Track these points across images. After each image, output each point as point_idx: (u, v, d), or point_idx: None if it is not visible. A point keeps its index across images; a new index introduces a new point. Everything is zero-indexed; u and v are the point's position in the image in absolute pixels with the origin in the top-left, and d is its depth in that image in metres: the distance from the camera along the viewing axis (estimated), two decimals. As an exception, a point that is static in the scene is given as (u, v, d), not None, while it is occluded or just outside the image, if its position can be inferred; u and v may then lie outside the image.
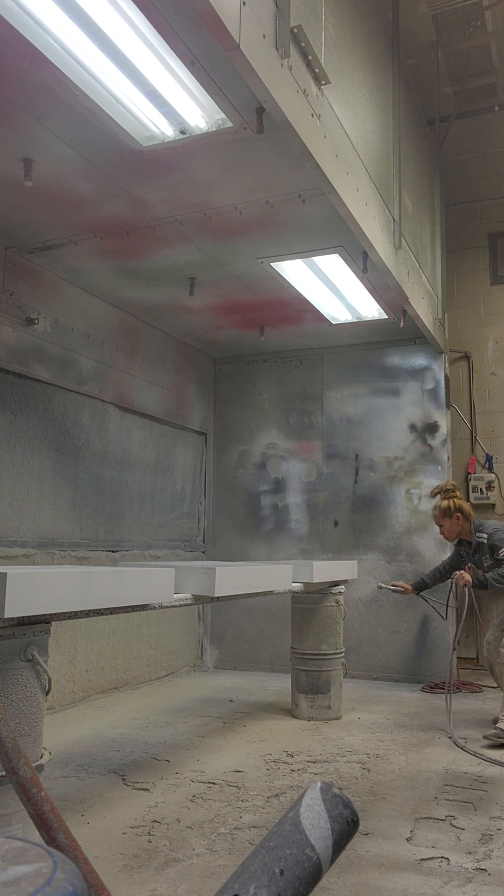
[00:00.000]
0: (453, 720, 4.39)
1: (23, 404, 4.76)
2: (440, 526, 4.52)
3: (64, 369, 5.06)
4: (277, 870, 0.69)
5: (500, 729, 3.98)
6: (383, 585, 4.88)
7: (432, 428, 6.19)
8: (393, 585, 4.79)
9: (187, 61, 2.80)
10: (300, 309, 5.62)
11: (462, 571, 4.37)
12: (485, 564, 4.36)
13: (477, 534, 4.36)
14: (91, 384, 5.33)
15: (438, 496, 4.57)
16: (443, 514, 4.46)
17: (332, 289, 5.18)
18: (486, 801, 3.09)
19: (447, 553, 6.01)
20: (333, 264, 4.73)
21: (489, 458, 6.74)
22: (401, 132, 4.92)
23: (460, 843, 2.64)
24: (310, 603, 4.66)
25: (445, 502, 4.46)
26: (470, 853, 2.55)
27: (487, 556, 4.32)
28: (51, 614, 2.29)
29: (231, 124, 3.15)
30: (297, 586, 4.21)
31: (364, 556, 6.23)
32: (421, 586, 4.76)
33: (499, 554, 4.17)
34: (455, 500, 4.45)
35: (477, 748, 3.88)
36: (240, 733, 4.24)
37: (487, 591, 4.71)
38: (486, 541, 4.29)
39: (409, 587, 4.75)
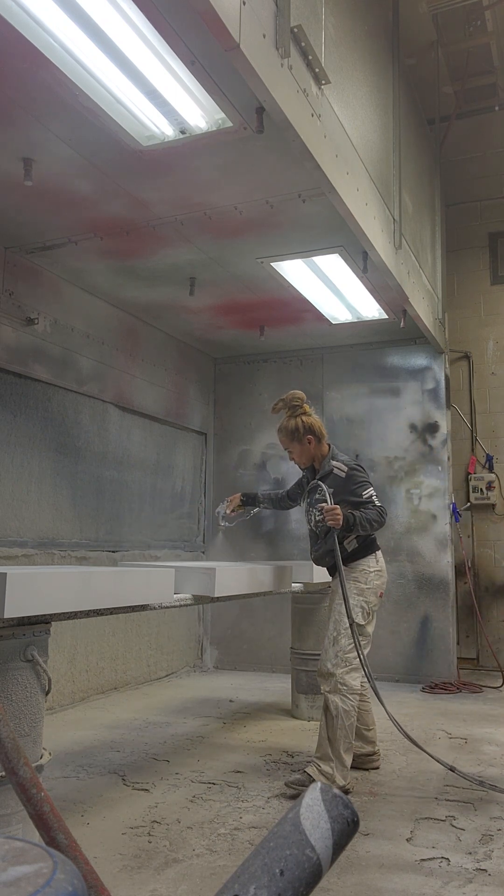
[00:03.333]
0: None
1: (23, 404, 4.76)
2: (288, 451, 3.62)
3: (64, 369, 5.06)
4: (277, 870, 0.69)
5: (309, 775, 3.20)
6: (222, 521, 3.98)
7: (432, 428, 6.19)
8: (228, 512, 3.93)
9: (187, 61, 2.80)
10: (300, 309, 5.62)
11: (334, 506, 3.28)
12: (322, 503, 3.37)
13: (333, 461, 3.48)
14: (91, 384, 5.33)
15: (282, 412, 3.59)
16: (290, 438, 3.53)
17: (332, 289, 5.18)
18: (486, 801, 3.08)
19: (447, 553, 6.02)
20: (333, 264, 4.73)
21: (489, 458, 6.74)
22: (401, 132, 4.92)
23: (460, 844, 2.63)
24: (310, 603, 4.66)
25: (293, 421, 3.51)
26: (470, 853, 2.55)
27: (335, 491, 3.37)
28: (51, 614, 2.29)
29: (231, 124, 3.15)
30: (297, 586, 4.21)
31: (364, 556, 6.23)
32: (251, 500, 3.97)
33: (364, 494, 3.36)
34: (304, 417, 3.52)
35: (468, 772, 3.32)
36: (240, 733, 4.24)
37: (357, 539, 3.44)
38: (343, 472, 3.42)
39: (236, 497, 3.96)
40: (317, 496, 3.43)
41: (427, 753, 3.27)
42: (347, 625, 3.25)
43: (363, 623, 3.33)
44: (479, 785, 3.11)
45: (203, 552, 6.78)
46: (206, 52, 2.73)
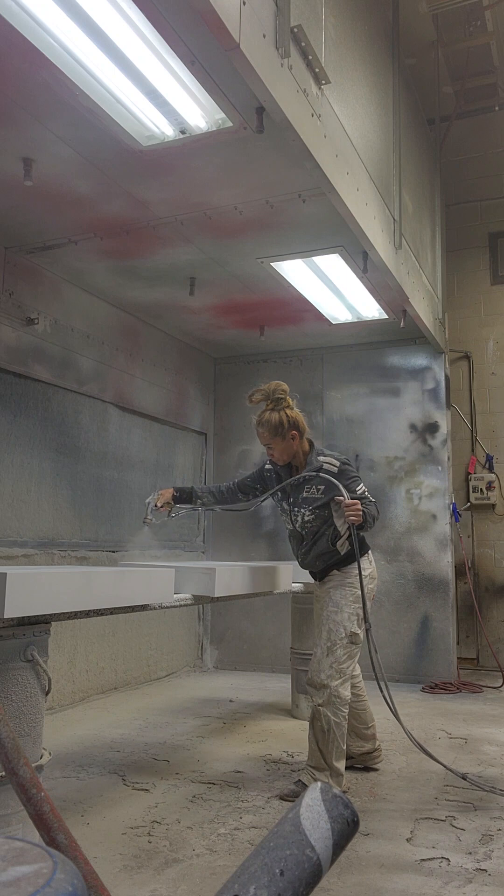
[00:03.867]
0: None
1: (23, 404, 4.76)
2: (268, 447, 3.30)
3: (64, 369, 5.06)
4: (277, 870, 0.69)
5: (304, 784, 3.15)
6: (149, 513, 3.49)
7: (432, 428, 6.19)
8: (157, 505, 3.48)
9: (187, 61, 2.80)
10: (300, 309, 5.62)
11: (355, 500, 3.08)
12: (308, 503, 3.19)
13: (321, 457, 3.23)
14: (91, 384, 5.33)
15: (263, 404, 3.25)
16: (273, 433, 3.22)
17: (332, 289, 5.18)
18: (486, 801, 3.08)
19: (447, 553, 6.01)
20: (333, 264, 4.73)
21: (489, 458, 6.74)
22: (401, 132, 4.92)
23: (461, 844, 2.63)
24: (310, 603, 4.65)
25: (276, 415, 3.20)
26: (470, 853, 2.55)
27: (326, 488, 3.16)
28: (51, 614, 2.29)
29: (231, 124, 3.15)
30: (297, 586, 4.21)
31: (364, 556, 6.23)
32: (185, 497, 3.51)
33: (357, 489, 3.17)
34: (288, 411, 3.22)
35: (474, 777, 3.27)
36: (240, 733, 4.24)
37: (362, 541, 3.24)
38: (335, 468, 3.18)
39: (168, 493, 3.50)
40: (304, 494, 3.22)
41: (444, 765, 3.18)
42: (343, 635, 3.16)
43: (357, 631, 3.20)
44: (490, 791, 3.06)
45: (203, 552, 6.78)
46: (206, 52, 2.73)
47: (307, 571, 3.50)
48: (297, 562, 3.51)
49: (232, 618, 6.63)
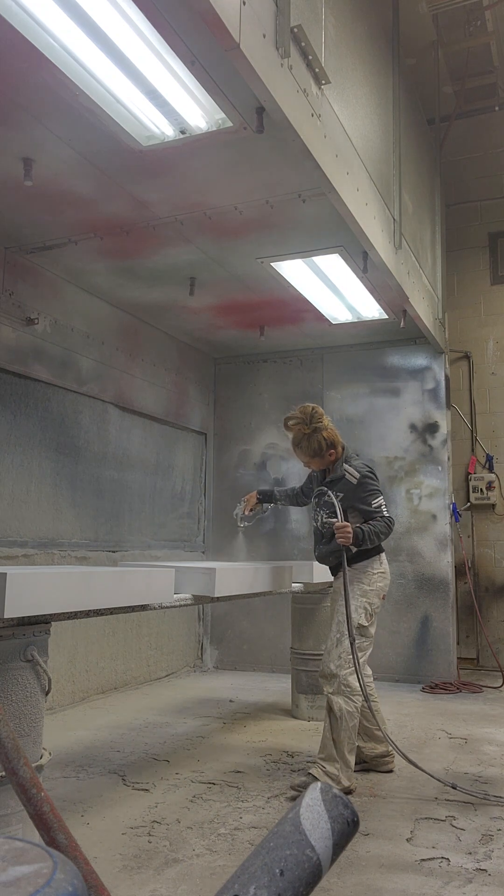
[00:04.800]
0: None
1: (23, 404, 4.76)
2: (304, 462, 3.50)
3: (64, 369, 5.06)
4: (278, 870, 0.69)
5: (314, 777, 3.18)
6: (241, 522, 4.08)
7: (432, 428, 6.19)
8: (245, 512, 4.00)
9: (187, 61, 2.80)
10: (300, 309, 5.62)
11: (345, 523, 3.25)
12: (326, 507, 3.39)
13: (345, 465, 3.38)
14: (91, 384, 5.33)
15: (301, 426, 3.33)
16: (312, 456, 3.39)
17: (332, 289, 5.18)
18: (486, 801, 3.08)
19: (448, 554, 6.02)
20: (333, 264, 4.73)
21: (489, 458, 6.74)
22: (401, 132, 4.92)
23: (460, 844, 2.63)
24: (310, 603, 4.66)
25: (316, 439, 3.33)
26: (470, 853, 2.55)
27: (345, 496, 3.33)
28: (51, 614, 2.29)
29: (231, 124, 3.15)
30: (297, 586, 4.21)
31: (364, 556, 6.23)
32: (267, 497, 3.98)
33: (373, 503, 3.32)
34: (325, 433, 3.33)
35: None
36: (240, 733, 4.24)
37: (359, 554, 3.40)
38: (355, 479, 3.33)
39: (253, 496, 3.98)
40: (325, 499, 3.42)
41: (432, 775, 3.21)
42: (351, 626, 3.25)
43: (366, 624, 3.34)
44: (483, 799, 3.04)
45: (203, 552, 6.78)
46: (206, 52, 2.73)
47: (307, 571, 3.57)
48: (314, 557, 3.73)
49: (232, 618, 6.63)
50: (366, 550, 3.40)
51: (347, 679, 3.24)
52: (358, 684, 3.25)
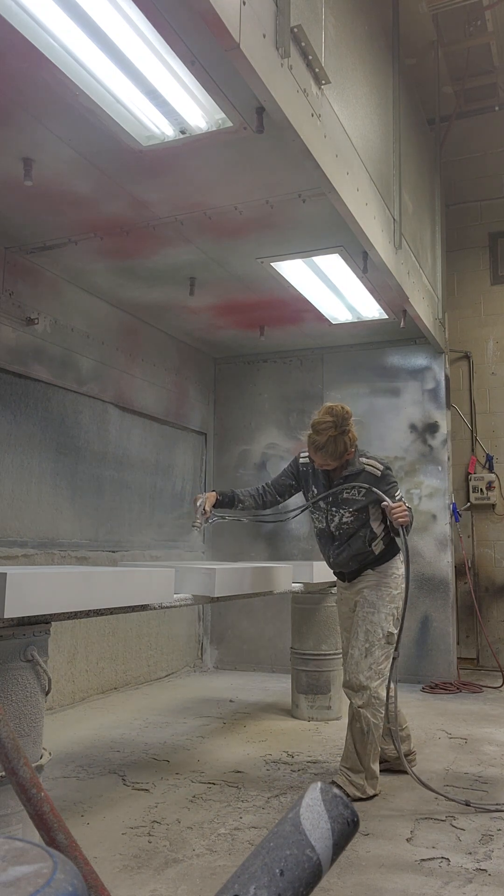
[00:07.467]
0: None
1: (23, 404, 4.76)
2: (321, 464, 3.21)
3: (64, 369, 5.06)
4: (277, 870, 0.69)
5: (339, 785, 3.12)
6: (198, 520, 3.30)
7: (432, 428, 6.19)
8: (206, 508, 3.30)
9: (187, 61, 2.80)
10: (300, 309, 5.62)
11: (400, 503, 3.09)
12: (349, 505, 3.19)
13: (363, 459, 3.21)
14: (91, 384, 5.33)
15: (332, 429, 3.08)
16: (334, 458, 3.14)
17: (332, 289, 5.18)
18: (486, 801, 3.08)
19: (448, 554, 6.01)
20: (333, 264, 4.73)
21: (490, 458, 6.74)
22: (401, 132, 4.92)
23: (460, 844, 2.63)
24: (310, 603, 4.66)
25: (342, 441, 3.11)
26: (470, 853, 2.54)
27: (367, 492, 3.14)
28: (51, 614, 2.29)
29: (231, 124, 3.15)
30: (297, 586, 4.21)
31: (364, 556, 6.23)
32: (228, 501, 3.38)
33: (395, 496, 3.18)
34: (350, 435, 3.15)
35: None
36: (240, 733, 4.24)
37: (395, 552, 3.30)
38: (378, 472, 3.17)
39: (213, 495, 3.34)
40: (345, 496, 3.19)
41: (434, 789, 3.15)
42: (381, 636, 3.19)
43: (394, 631, 3.21)
44: (497, 810, 2.95)
45: (203, 552, 6.78)
46: (206, 52, 2.73)
47: (307, 571, 3.51)
48: (325, 562, 3.50)
49: (232, 618, 6.63)
50: (387, 550, 3.30)
51: (378, 691, 3.17)
52: (384, 695, 3.19)
